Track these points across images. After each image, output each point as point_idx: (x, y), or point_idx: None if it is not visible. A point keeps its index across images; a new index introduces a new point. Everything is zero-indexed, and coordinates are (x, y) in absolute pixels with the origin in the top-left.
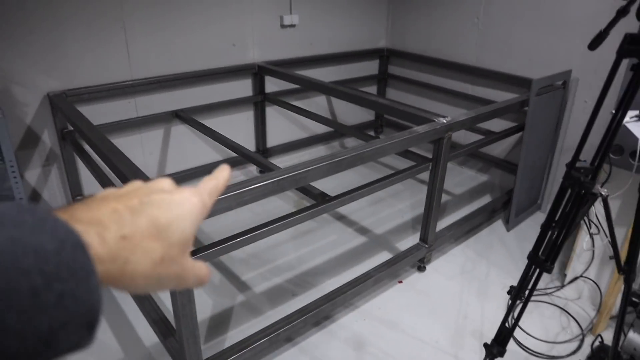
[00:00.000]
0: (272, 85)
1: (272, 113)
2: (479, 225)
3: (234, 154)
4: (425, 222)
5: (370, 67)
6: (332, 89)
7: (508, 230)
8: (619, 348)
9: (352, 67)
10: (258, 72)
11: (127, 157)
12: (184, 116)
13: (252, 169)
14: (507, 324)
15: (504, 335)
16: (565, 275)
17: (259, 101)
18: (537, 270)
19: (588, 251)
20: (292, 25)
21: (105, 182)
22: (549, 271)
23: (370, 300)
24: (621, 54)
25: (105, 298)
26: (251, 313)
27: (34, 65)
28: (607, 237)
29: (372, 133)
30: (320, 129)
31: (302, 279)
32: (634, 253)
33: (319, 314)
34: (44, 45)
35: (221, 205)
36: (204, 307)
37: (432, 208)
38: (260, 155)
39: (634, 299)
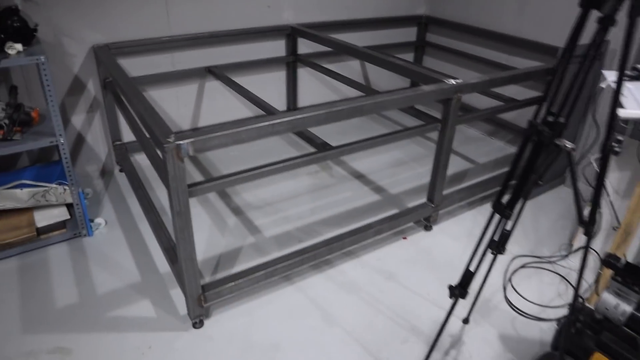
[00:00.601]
0: (305, 47)
1: (304, 75)
2: (491, 195)
3: (263, 112)
4: (433, 181)
5: (408, 34)
6: (358, 51)
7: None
8: (594, 307)
9: (388, 33)
10: (291, 34)
11: (153, 108)
12: (217, 72)
13: None
14: (471, 269)
15: (466, 278)
16: (572, 246)
17: (291, 62)
18: (500, 218)
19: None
20: None
21: (137, 131)
22: (508, 217)
23: (372, 252)
24: (583, 5)
25: (129, 225)
26: (258, 253)
27: (81, 20)
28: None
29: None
30: (352, 92)
31: (312, 228)
32: (595, 206)
33: (316, 256)
34: (90, 1)
35: (219, 141)
36: (217, 245)
37: (439, 168)
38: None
39: (611, 260)
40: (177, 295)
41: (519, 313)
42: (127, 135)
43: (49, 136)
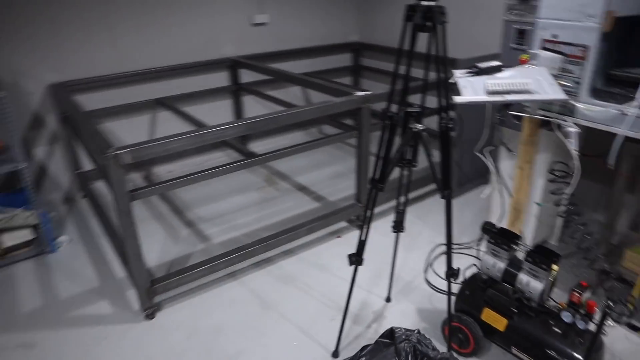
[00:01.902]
0: (248, 76)
1: (249, 101)
2: (425, 194)
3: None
4: (358, 183)
5: (344, 60)
6: (291, 77)
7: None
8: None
9: (326, 60)
10: (233, 65)
11: (99, 132)
12: (167, 103)
13: (232, 152)
14: (362, 238)
15: (360, 247)
16: None
17: (235, 90)
18: (375, 190)
19: (500, 205)
20: (263, 24)
21: (91, 156)
22: (381, 190)
23: (309, 249)
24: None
25: (90, 242)
26: (206, 256)
27: (39, 61)
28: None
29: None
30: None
31: (256, 233)
32: (447, 173)
33: (254, 252)
34: (46, 45)
35: (152, 150)
36: (170, 253)
37: (361, 170)
38: (238, 140)
39: (487, 227)
40: (132, 295)
41: (435, 290)
42: (88, 164)
43: (12, 163)
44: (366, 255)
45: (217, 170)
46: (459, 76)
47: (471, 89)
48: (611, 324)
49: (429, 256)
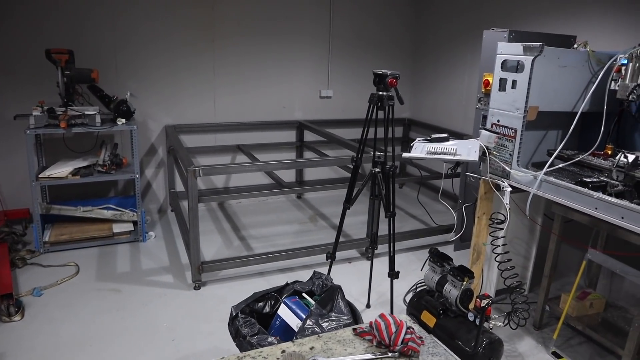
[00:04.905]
0: (311, 136)
1: (309, 156)
2: (434, 243)
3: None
4: (370, 223)
5: (397, 132)
6: (342, 141)
7: (454, 250)
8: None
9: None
10: (299, 126)
11: (190, 159)
12: (244, 149)
13: (293, 195)
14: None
15: (335, 246)
16: None
17: (298, 146)
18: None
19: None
20: (329, 97)
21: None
22: (349, 208)
23: (324, 267)
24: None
25: (170, 240)
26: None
27: (161, 109)
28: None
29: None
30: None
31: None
32: (388, 203)
33: (276, 258)
34: (168, 98)
35: (217, 170)
36: (222, 254)
37: (373, 212)
38: (296, 183)
39: (431, 250)
40: (188, 275)
41: (405, 305)
42: (179, 187)
43: (130, 173)
44: (364, 278)
45: (260, 193)
46: (417, 141)
47: (418, 150)
48: (499, 324)
49: (414, 285)
